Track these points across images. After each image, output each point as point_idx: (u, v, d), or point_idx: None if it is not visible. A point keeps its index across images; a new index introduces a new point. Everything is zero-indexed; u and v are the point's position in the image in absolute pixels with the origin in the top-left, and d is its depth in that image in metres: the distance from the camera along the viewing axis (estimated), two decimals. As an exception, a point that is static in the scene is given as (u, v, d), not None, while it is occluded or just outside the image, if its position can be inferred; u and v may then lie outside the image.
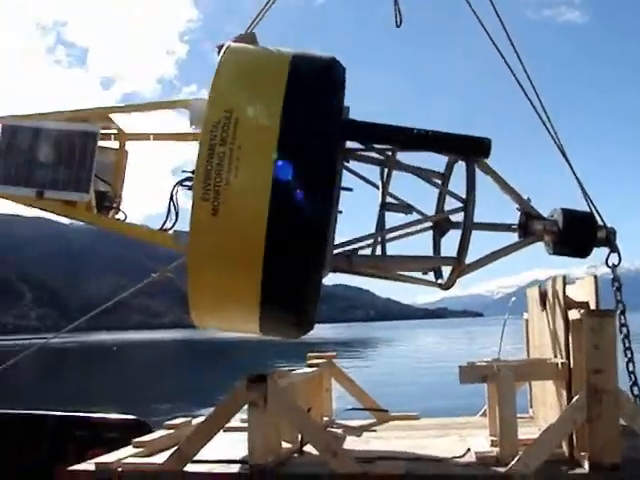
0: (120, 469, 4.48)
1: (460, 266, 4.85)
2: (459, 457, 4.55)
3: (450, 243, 5.14)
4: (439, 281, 5.19)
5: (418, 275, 5.23)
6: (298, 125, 4.10)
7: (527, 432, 4.64)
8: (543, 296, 5.01)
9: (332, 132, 4.18)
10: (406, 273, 5.19)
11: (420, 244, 5.51)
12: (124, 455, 4.72)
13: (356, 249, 4.80)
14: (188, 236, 4.21)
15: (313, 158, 4.07)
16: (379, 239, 4.89)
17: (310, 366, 6.14)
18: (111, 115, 5.24)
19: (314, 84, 4.27)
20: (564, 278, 4.50)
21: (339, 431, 5.71)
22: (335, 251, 4.66)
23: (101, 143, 5.09)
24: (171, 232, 4.73)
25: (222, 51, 4.42)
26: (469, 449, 4.69)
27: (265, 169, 4.00)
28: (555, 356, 4.68)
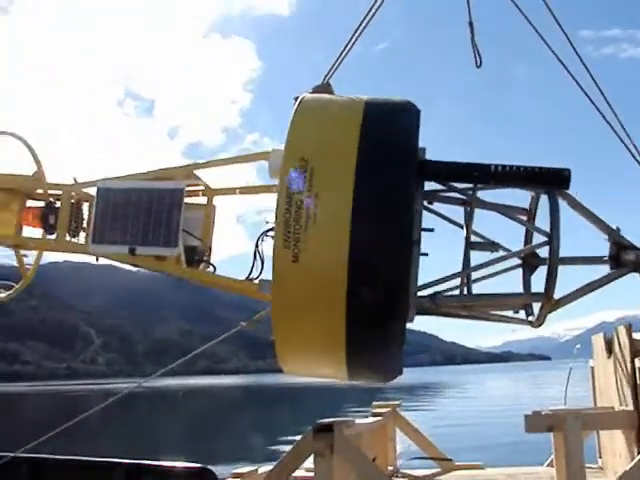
0: (190, 518, 4.55)
1: (549, 301, 4.72)
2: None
3: (541, 280, 5.03)
4: (530, 319, 5.04)
5: (507, 313, 5.09)
6: (373, 171, 4.11)
7: (596, 483, 4.57)
8: (609, 344, 4.93)
9: (407, 175, 4.16)
10: (495, 312, 5.06)
11: (508, 285, 5.37)
12: (194, 503, 4.80)
13: (442, 290, 4.70)
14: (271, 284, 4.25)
15: (390, 203, 4.08)
16: (465, 279, 4.83)
17: (375, 415, 6.14)
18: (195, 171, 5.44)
19: (387, 128, 4.30)
20: (629, 327, 4.44)
21: (403, 481, 5.68)
22: (420, 293, 4.56)
23: (190, 200, 5.33)
24: (256, 281, 4.83)
25: (297, 102, 4.50)
26: (537, 500, 4.62)
27: (343, 216, 4.01)
28: (621, 404, 4.60)
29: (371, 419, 5.98)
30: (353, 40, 5.67)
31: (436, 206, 4.88)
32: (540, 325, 4.93)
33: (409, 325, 4.38)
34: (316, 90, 4.97)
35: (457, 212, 5.00)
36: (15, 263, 5.99)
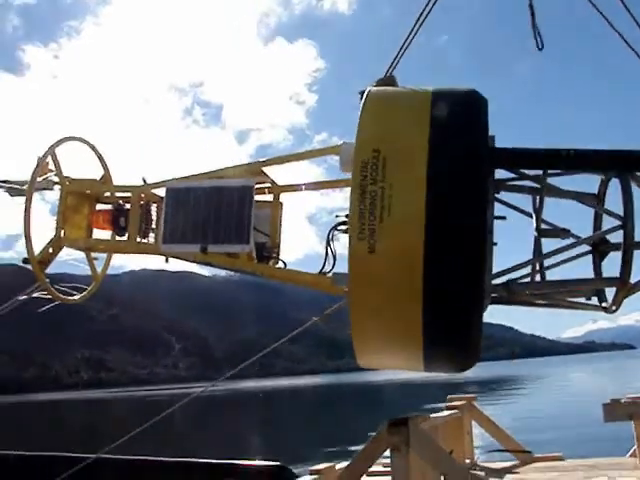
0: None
1: (624, 286, 4.63)
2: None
3: (611, 267, 4.88)
4: (603, 305, 4.95)
5: (581, 300, 5.03)
6: (446, 158, 4.10)
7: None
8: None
9: (481, 161, 4.14)
10: (568, 299, 5.02)
11: (578, 273, 5.32)
12: (273, 499, 4.87)
13: (515, 278, 4.67)
14: (346, 277, 4.27)
15: (464, 189, 4.05)
16: (537, 266, 4.79)
17: (450, 408, 6.11)
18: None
19: (457, 117, 4.28)
20: None
21: (482, 473, 5.63)
22: (493, 281, 4.54)
23: (257, 197, 5.36)
24: (330, 275, 4.87)
25: (365, 94, 4.51)
26: (620, 491, 4.53)
27: (417, 205, 4.01)
28: None
29: (446, 412, 5.95)
30: (414, 32, 5.66)
31: (502, 195, 4.81)
32: (615, 311, 4.84)
33: (486, 318, 4.36)
34: (380, 83, 4.93)
35: (522, 201, 4.97)
36: (85, 270, 6.14)
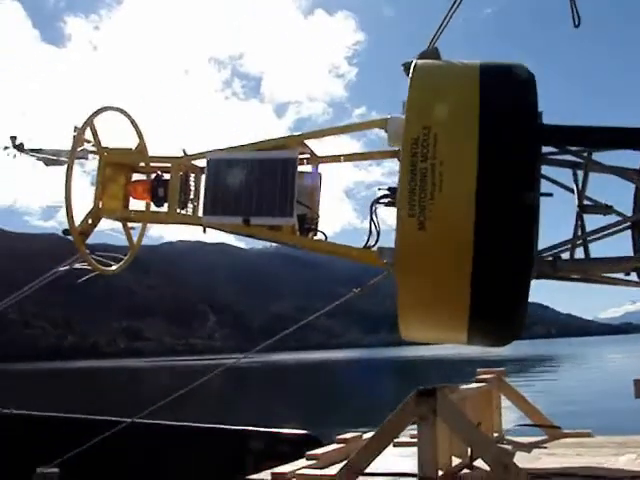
0: (294, 479, 4.69)
1: None
2: (638, 476, 4.37)
3: None
4: None
5: (622, 277, 5.01)
6: (497, 135, 4.10)
7: None
8: None
9: (531, 139, 4.15)
10: (610, 275, 5.01)
11: (616, 247, 5.24)
12: (298, 467, 4.93)
13: (558, 254, 4.68)
14: (393, 252, 4.30)
15: (516, 166, 4.06)
16: (579, 242, 4.77)
17: (479, 382, 6.10)
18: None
19: (506, 93, 4.27)
20: None
21: (509, 447, 5.62)
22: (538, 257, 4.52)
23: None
24: (375, 249, 4.87)
25: (412, 68, 4.47)
26: (649, 468, 4.49)
27: (469, 182, 4.03)
28: None
29: (475, 385, 5.94)
30: (456, 4, 5.58)
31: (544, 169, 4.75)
32: None
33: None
34: (423, 56, 4.90)
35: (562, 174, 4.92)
36: (119, 240, 6.21)
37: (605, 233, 4.93)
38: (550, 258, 4.60)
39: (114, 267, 6.13)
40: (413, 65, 4.51)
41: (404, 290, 4.33)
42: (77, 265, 6.08)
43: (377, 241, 4.91)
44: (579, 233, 4.83)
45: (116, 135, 6.13)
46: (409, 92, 4.34)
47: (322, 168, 5.68)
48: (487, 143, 4.05)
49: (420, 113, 4.25)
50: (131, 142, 6.04)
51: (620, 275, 5.01)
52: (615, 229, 4.94)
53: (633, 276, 4.95)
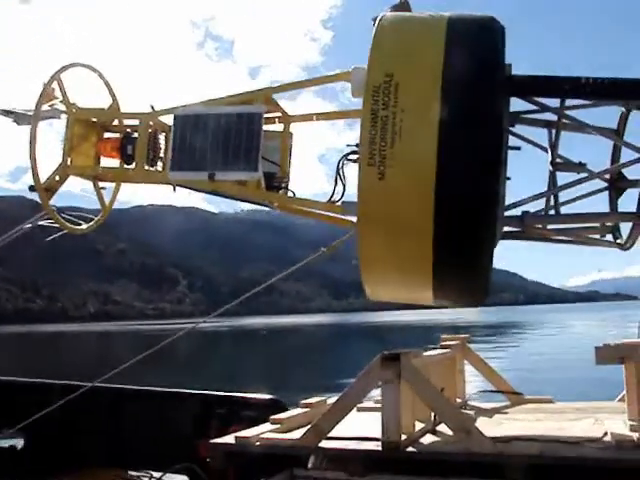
0: (258, 443, 4.69)
1: None
2: (596, 440, 4.44)
3: (629, 205, 4.77)
4: (618, 241, 4.87)
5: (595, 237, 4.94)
6: (460, 84, 4.00)
7: (670, 416, 4.46)
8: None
9: (496, 87, 4.05)
10: (582, 235, 4.93)
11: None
12: (262, 431, 4.94)
13: (528, 211, 4.57)
14: (356, 206, 4.21)
15: (478, 115, 3.96)
16: (552, 201, 4.70)
17: (443, 347, 6.14)
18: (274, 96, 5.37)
19: (473, 43, 4.17)
20: None
21: (471, 412, 5.68)
22: (507, 213, 4.47)
23: (267, 127, 5.27)
24: (339, 203, 4.80)
25: (378, 19, 4.40)
26: (606, 433, 4.56)
27: (430, 131, 3.93)
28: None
29: (439, 351, 5.99)
30: None
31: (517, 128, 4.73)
32: (631, 247, 4.76)
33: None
34: (394, 9, 4.83)
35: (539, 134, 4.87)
36: (92, 203, 6.12)
37: (580, 194, 4.84)
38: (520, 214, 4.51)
39: (83, 226, 6.03)
40: (380, 16, 4.44)
41: (365, 244, 4.22)
42: (43, 222, 5.96)
43: (342, 196, 4.82)
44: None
45: (89, 96, 6.02)
46: (373, 41, 4.25)
47: (296, 132, 5.62)
48: (450, 91, 3.96)
49: (382, 61, 4.16)
50: (105, 103, 5.93)
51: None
52: (591, 190, 4.90)
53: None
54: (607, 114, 4.97)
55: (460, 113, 3.97)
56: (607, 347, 4.58)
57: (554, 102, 4.70)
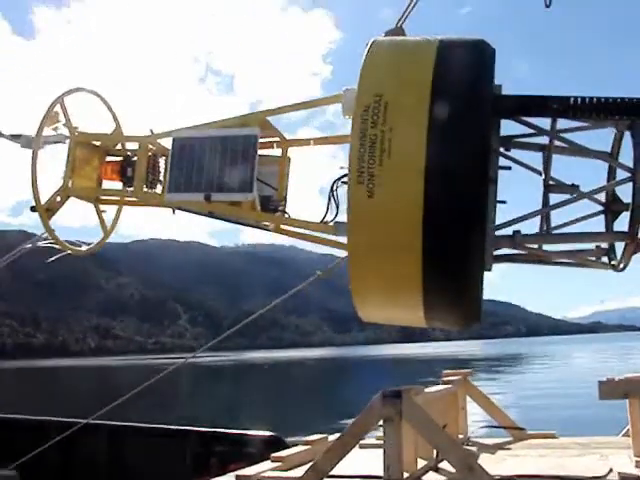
0: (259, 482, 4.65)
1: (633, 241, 4.48)
2: (601, 477, 4.38)
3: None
4: (612, 262, 4.81)
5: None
6: (449, 104, 3.99)
7: (674, 454, 4.42)
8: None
9: (484, 107, 4.05)
10: (577, 257, 4.88)
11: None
12: (263, 469, 4.88)
13: (518, 230, 4.48)
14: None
15: (466, 135, 3.96)
16: (545, 222, 4.65)
17: (445, 383, 6.10)
18: (271, 120, 5.40)
19: (462, 64, 4.19)
20: None
21: (474, 449, 5.63)
22: (498, 232, 4.39)
23: (264, 152, 5.34)
24: (331, 223, 4.79)
25: (370, 42, 4.44)
26: (611, 469, 4.50)
27: (418, 148, 3.92)
28: None
29: (441, 387, 5.94)
30: None
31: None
32: (624, 268, 4.71)
33: (492, 295, 4.25)
34: (389, 34, 4.94)
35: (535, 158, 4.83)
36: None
37: (574, 218, 4.75)
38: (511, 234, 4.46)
39: (84, 248, 6.02)
40: (371, 40, 4.47)
41: (354, 262, 4.18)
42: (42, 243, 5.96)
43: (336, 216, 4.80)
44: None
45: (93, 122, 6.07)
46: (363, 61, 4.28)
47: (297, 163, 5.66)
48: (438, 111, 3.96)
49: (372, 81, 4.18)
50: (107, 129, 5.98)
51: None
52: (586, 214, 4.81)
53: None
54: (603, 137, 4.97)
55: (448, 132, 3.96)
56: (611, 382, 4.55)
57: (547, 124, 4.71)
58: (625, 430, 5.57)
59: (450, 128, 3.96)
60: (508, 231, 4.43)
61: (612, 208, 4.88)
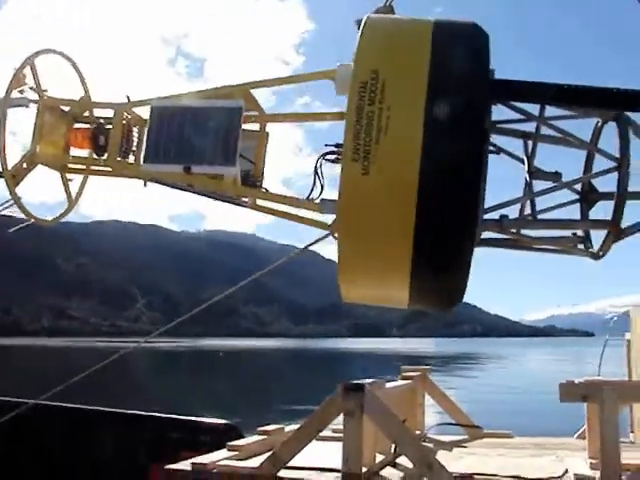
0: (215, 470, 4.59)
1: (615, 230, 4.57)
2: (557, 478, 4.42)
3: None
4: (590, 250, 4.89)
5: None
6: (446, 83, 4.01)
7: (629, 457, 4.47)
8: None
9: (480, 90, 4.06)
10: (557, 245, 4.96)
11: None
12: (219, 457, 4.83)
13: (506, 215, 4.57)
14: (335, 203, 4.18)
15: (463, 114, 3.97)
16: (528, 209, 4.74)
17: (404, 379, 6.10)
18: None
19: (459, 44, 4.19)
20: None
21: (430, 445, 5.63)
22: (485, 216, 4.45)
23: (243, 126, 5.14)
24: (317, 200, 4.71)
25: (365, 18, 4.40)
26: (567, 470, 4.55)
27: (415, 128, 3.91)
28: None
29: (400, 382, 5.94)
30: None
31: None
32: (603, 256, 4.79)
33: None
34: (378, 11, 4.83)
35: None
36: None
37: (554, 205, 4.89)
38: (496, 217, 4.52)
39: (50, 218, 5.84)
40: (366, 17, 4.44)
41: (345, 240, 4.16)
42: (6, 212, 5.76)
43: (320, 194, 4.73)
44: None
45: (58, 87, 5.84)
46: (359, 38, 4.25)
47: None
48: (436, 90, 3.97)
49: (369, 58, 4.15)
50: (73, 94, 5.77)
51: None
52: (561, 202, 4.93)
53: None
54: (576, 128, 5.01)
55: (445, 113, 3.96)
56: (571, 384, 4.58)
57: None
58: (580, 432, 5.63)
59: (448, 109, 3.95)
60: (493, 215, 4.48)
61: (588, 197, 4.97)
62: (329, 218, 4.48)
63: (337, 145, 4.50)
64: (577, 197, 4.99)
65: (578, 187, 5.01)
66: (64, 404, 7.03)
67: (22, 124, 5.64)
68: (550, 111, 4.70)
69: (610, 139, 4.74)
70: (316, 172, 4.73)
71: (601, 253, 4.77)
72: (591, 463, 4.55)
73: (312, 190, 4.76)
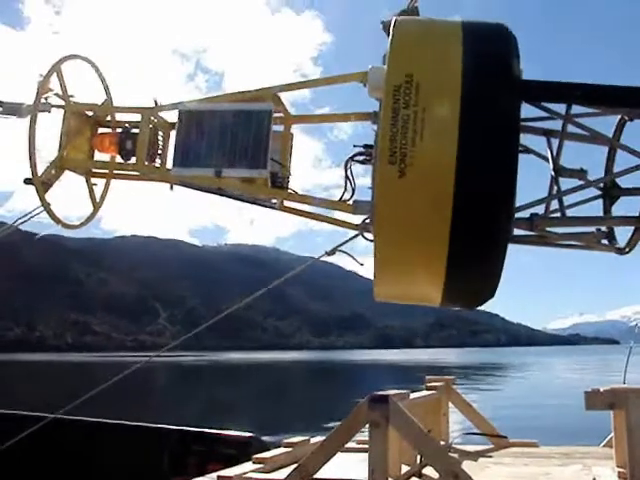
0: (241, 483, 4.61)
1: None
2: (585, 487, 4.39)
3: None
4: (617, 246, 4.87)
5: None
6: (480, 85, 4.04)
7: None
8: (673, 323, 4.77)
9: (514, 89, 4.10)
10: (581, 239, 4.94)
11: None
12: (245, 470, 4.84)
13: (536, 213, 4.60)
14: (368, 204, 4.25)
15: (498, 116, 4.01)
16: (552, 204, 4.68)
17: (429, 389, 6.09)
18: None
19: (490, 46, 4.23)
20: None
21: (456, 456, 5.61)
22: (516, 215, 4.43)
23: None
24: (350, 202, 4.76)
25: (395, 20, 4.43)
26: (594, 479, 4.51)
27: (451, 130, 3.95)
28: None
29: (425, 392, 5.93)
30: None
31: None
32: (629, 251, 4.79)
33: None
34: (403, 14, 4.86)
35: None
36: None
37: (574, 202, 4.82)
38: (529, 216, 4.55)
39: (76, 223, 5.87)
40: (394, 19, 4.47)
41: (381, 242, 4.20)
42: (35, 218, 5.79)
43: (352, 196, 4.79)
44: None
45: (81, 94, 5.88)
46: (391, 41, 4.26)
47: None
48: (471, 93, 4.00)
49: (403, 61, 4.17)
50: (96, 99, 5.78)
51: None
52: (583, 199, 4.89)
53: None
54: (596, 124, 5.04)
55: (480, 115, 4.00)
56: (597, 393, 4.55)
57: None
58: (607, 440, 5.58)
59: (482, 111, 4.00)
60: (523, 214, 4.50)
61: (610, 193, 4.98)
62: (358, 219, 4.56)
63: (366, 146, 4.54)
64: (600, 193, 5.00)
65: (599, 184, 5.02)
66: (88, 418, 7.07)
67: (43, 130, 5.70)
68: (574, 108, 4.73)
69: (631, 135, 4.75)
70: (346, 174, 4.78)
71: (627, 249, 4.77)
72: (619, 472, 4.51)
73: (344, 191, 4.81)
